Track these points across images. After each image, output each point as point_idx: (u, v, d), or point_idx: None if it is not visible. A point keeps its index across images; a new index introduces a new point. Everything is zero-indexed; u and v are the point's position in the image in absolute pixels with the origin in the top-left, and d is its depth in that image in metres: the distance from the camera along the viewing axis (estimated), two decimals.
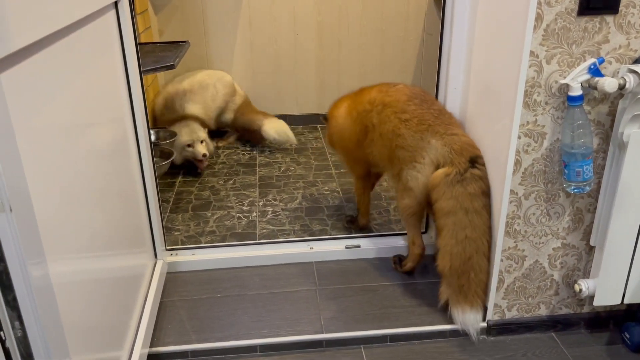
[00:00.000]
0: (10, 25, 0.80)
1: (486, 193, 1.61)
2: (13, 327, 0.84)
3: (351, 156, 2.05)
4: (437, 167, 1.67)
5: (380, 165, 1.92)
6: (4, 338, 0.83)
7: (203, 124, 2.91)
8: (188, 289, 1.88)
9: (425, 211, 1.89)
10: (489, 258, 1.63)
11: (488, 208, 1.62)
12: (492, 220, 1.61)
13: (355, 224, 2.23)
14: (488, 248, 1.62)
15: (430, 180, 1.67)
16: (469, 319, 1.64)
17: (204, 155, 2.76)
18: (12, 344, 0.85)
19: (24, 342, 0.86)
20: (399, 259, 1.96)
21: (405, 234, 2.01)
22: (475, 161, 1.62)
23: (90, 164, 1.22)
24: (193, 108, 2.99)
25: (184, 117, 2.89)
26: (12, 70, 0.83)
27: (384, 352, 1.64)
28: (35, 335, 0.86)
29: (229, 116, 3.17)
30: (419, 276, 1.92)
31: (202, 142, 2.79)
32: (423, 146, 1.69)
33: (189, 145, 2.76)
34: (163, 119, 2.95)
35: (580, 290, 1.57)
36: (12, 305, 0.83)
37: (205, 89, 3.06)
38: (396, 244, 2.05)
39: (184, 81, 3.06)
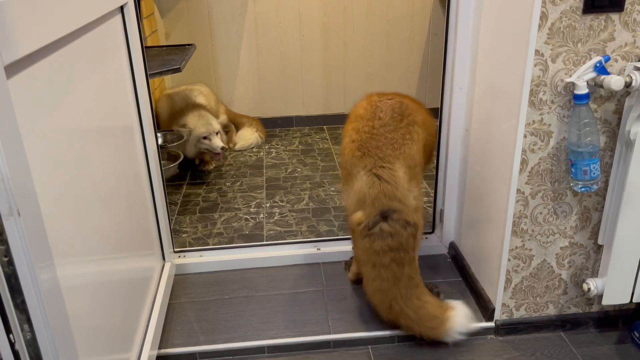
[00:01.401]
0: (18, 32, 0.81)
1: (395, 248, 1.54)
2: (22, 330, 0.85)
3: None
4: (358, 198, 1.59)
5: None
6: (13, 341, 0.84)
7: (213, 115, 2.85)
8: (196, 291, 1.89)
9: None
10: (418, 297, 1.58)
11: (398, 259, 1.55)
12: (499, 220, 1.60)
13: None
14: (409, 291, 1.57)
15: (351, 218, 1.62)
16: None
17: (223, 148, 2.68)
18: (21, 346, 0.85)
19: (33, 345, 0.86)
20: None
21: None
22: (388, 216, 1.53)
23: (98, 167, 1.23)
24: (202, 99, 2.98)
25: (195, 106, 2.82)
26: (19, 76, 0.84)
27: (392, 352, 1.64)
28: (44, 337, 0.87)
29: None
30: (425, 277, 1.92)
31: (217, 133, 2.72)
32: (354, 175, 1.60)
33: (205, 138, 2.68)
34: (171, 113, 2.88)
35: (589, 289, 1.56)
36: (21, 308, 0.84)
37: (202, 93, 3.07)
38: None
39: (180, 86, 3.07)
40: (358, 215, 1.58)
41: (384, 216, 1.54)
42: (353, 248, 1.81)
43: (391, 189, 1.54)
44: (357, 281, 1.87)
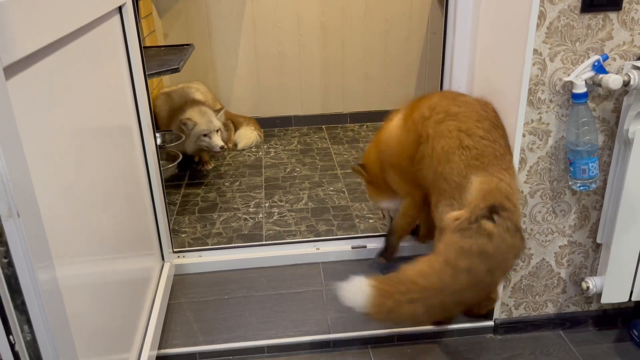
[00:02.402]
0: (17, 33, 0.81)
1: (485, 252, 1.26)
2: (22, 331, 0.85)
3: (405, 176, 1.64)
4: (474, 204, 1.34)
5: (425, 188, 1.54)
6: (13, 342, 0.84)
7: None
8: (195, 291, 1.89)
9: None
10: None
11: (474, 268, 1.26)
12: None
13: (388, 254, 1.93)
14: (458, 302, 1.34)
15: (444, 220, 1.37)
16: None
17: (222, 147, 2.66)
18: (21, 347, 0.85)
19: (33, 346, 0.86)
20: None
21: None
22: (496, 211, 1.28)
23: (97, 168, 1.23)
24: (200, 96, 2.97)
25: (195, 102, 2.80)
26: (18, 77, 0.84)
27: (391, 352, 1.64)
28: (44, 338, 0.87)
29: None
30: None
31: (217, 131, 2.70)
32: (464, 186, 1.36)
33: (205, 135, 2.66)
34: (170, 111, 2.87)
35: (588, 288, 1.56)
36: (21, 309, 0.84)
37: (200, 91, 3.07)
38: (403, 243, 2.05)
39: (177, 85, 3.06)
40: (454, 213, 1.34)
41: (491, 211, 1.28)
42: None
43: (507, 188, 1.33)
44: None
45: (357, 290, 1.30)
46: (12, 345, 0.84)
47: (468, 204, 1.31)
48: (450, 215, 1.33)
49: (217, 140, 2.67)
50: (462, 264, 1.26)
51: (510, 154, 1.41)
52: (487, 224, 1.26)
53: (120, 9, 1.52)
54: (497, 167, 1.35)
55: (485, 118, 1.41)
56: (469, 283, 1.27)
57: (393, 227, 1.89)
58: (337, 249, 2.04)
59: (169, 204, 2.23)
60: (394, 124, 1.65)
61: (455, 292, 1.28)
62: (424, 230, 1.79)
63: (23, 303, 0.83)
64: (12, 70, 0.82)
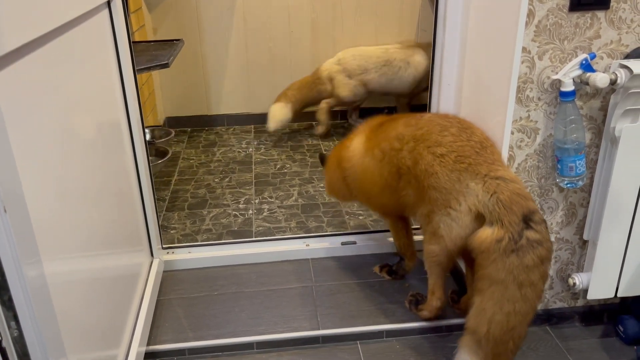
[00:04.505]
0: (3, 27, 0.80)
1: (546, 258, 1.32)
2: (9, 327, 0.85)
3: (377, 201, 1.73)
4: (477, 216, 1.38)
5: (413, 207, 1.56)
6: (0, 338, 0.84)
7: None
8: (185, 287, 1.89)
9: (454, 261, 1.62)
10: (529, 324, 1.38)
11: (545, 275, 1.33)
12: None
13: (398, 270, 1.90)
14: (533, 316, 1.36)
15: (475, 240, 1.35)
16: None
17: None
18: (8, 343, 0.85)
19: (20, 342, 0.86)
20: (415, 300, 1.74)
21: None
22: (530, 219, 1.30)
23: (85, 164, 1.22)
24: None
25: None
26: (5, 71, 0.84)
27: (380, 347, 1.65)
28: (31, 334, 0.87)
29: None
30: (414, 273, 1.93)
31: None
32: (460, 190, 1.38)
33: None
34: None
35: (574, 284, 1.58)
36: (8, 305, 0.83)
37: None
38: (392, 240, 2.06)
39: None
40: (488, 232, 1.33)
41: (526, 221, 1.30)
42: (431, 283, 1.61)
43: (521, 188, 1.34)
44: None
45: None
46: None
47: (499, 224, 1.31)
48: (487, 234, 1.33)
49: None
50: (534, 278, 1.31)
51: (492, 146, 1.44)
52: (533, 234, 1.30)
53: (109, 3, 1.51)
54: (484, 164, 1.38)
55: (449, 126, 1.47)
56: (542, 288, 1.35)
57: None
58: (327, 245, 2.05)
59: (158, 200, 2.22)
60: (357, 148, 1.70)
61: (538, 299, 1.35)
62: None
63: (10, 299, 0.83)
64: None
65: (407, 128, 1.53)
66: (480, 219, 1.37)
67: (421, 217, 1.52)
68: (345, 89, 3.03)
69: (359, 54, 3.04)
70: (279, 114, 3.04)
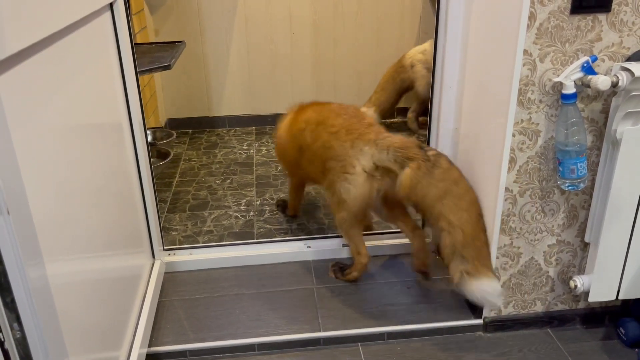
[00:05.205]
0: (6, 30, 0.81)
1: (450, 161, 1.65)
2: (12, 329, 0.85)
3: (290, 169, 2.15)
4: (374, 174, 1.67)
5: (316, 180, 1.95)
6: (2, 340, 0.84)
7: None
8: (186, 289, 1.89)
9: (365, 219, 1.93)
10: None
11: (459, 169, 1.65)
12: (487, 218, 1.62)
13: (283, 211, 2.38)
14: (479, 204, 1.64)
15: (403, 187, 1.62)
16: (493, 286, 1.56)
17: None
18: (11, 345, 0.85)
19: (22, 344, 0.86)
20: (339, 268, 1.93)
21: (399, 232, 2.02)
22: (422, 146, 1.65)
23: (87, 165, 1.22)
24: None
25: None
26: (8, 74, 0.84)
27: (382, 349, 1.65)
28: (33, 336, 0.87)
29: None
30: (414, 275, 1.93)
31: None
32: (354, 154, 1.68)
33: None
34: None
35: (576, 286, 1.58)
36: (11, 307, 0.84)
37: None
38: (393, 242, 2.06)
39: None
40: (407, 172, 1.61)
41: (421, 148, 1.63)
42: (353, 245, 1.86)
43: (404, 137, 1.69)
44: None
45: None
46: (1, 343, 0.84)
47: (409, 160, 1.61)
48: (407, 173, 1.61)
49: None
50: (456, 174, 1.64)
51: (379, 128, 1.74)
52: (431, 152, 1.64)
53: (111, 5, 1.52)
54: (372, 133, 1.70)
55: (343, 114, 1.80)
56: (465, 179, 1.66)
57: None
58: (328, 247, 2.05)
59: (159, 201, 2.22)
60: (284, 125, 2.07)
61: (470, 188, 1.65)
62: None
63: (13, 301, 0.83)
64: (1, 67, 0.81)
65: (313, 114, 1.89)
66: (380, 178, 1.68)
67: (327, 192, 1.83)
68: (423, 81, 3.08)
69: None
70: None
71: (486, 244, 1.60)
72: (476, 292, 1.56)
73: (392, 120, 3.52)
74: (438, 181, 1.60)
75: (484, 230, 1.61)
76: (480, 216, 1.62)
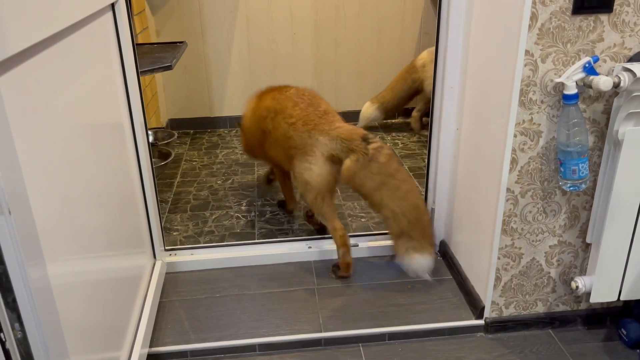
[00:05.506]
0: (8, 29, 0.81)
1: (392, 154, 1.80)
2: (13, 329, 0.85)
3: (259, 154, 2.23)
4: (331, 159, 1.84)
5: (281, 164, 2.07)
6: (4, 339, 0.84)
7: None
8: (187, 289, 1.89)
9: (335, 193, 2.05)
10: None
11: (398, 161, 1.86)
12: (489, 219, 1.62)
13: (284, 208, 2.41)
14: (418, 189, 1.87)
15: (345, 175, 1.80)
16: (429, 262, 1.86)
17: None
18: (12, 345, 0.85)
19: (24, 344, 0.86)
20: (336, 268, 1.96)
21: None
22: (367, 138, 1.78)
23: (89, 166, 1.23)
24: None
25: None
26: (9, 74, 0.84)
27: (383, 350, 1.65)
28: (35, 336, 0.87)
29: None
30: (415, 275, 1.93)
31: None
32: (312, 143, 1.85)
33: None
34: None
35: (577, 287, 1.58)
36: (12, 307, 0.84)
37: None
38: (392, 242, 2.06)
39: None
40: (347, 162, 1.78)
41: (365, 140, 1.78)
42: (329, 224, 1.95)
43: (353, 127, 1.86)
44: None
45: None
46: (2, 343, 0.84)
47: (351, 152, 1.77)
48: (348, 163, 1.78)
49: None
50: (395, 166, 1.80)
51: (333, 114, 1.91)
52: (374, 145, 1.77)
53: (112, 5, 1.52)
54: (326, 124, 1.85)
55: (300, 102, 1.93)
56: (404, 169, 1.89)
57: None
58: (330, 247, 2.05)
59: (161, 202, 2.22)
60: (249, 110, 2.18)
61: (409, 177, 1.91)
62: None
63: (14, 301, 0.83)
64: (3, 67, 0.81)
65: (272, 101, 2.01)
66: (335, 162, 1.83)
67: (294, 180, 1.96)
68: (431, 81, 3.10)
69: None
70: (365, 113, 3.30)
71: (429, 225, 1.87)
72: (414, 264, 1.84)
73: (393, 120, 3.52)
74: (374, 174, 1.77)
75: (425, 212, 1.87)
76: (420, 201, 1.85)
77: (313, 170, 1.85)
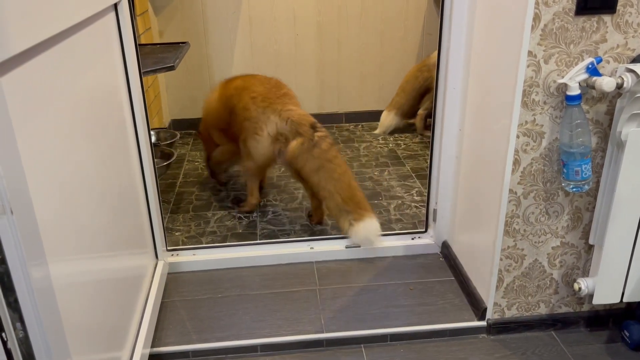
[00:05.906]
0: (10, 29, 0.81)
1: (333, 143, 2.06)
2: (15, 329, 0.85)
3: (217, 136, 2.46)
4: (277, 138, 2.09)
5: (238, 136, 2.26)
6: (5, 339, 0.84)
7: None
8: (189, 289, 1.89)
9: (263, 173, 2.42)
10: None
11: (337, 150, 2.07)
12: (491, 220, 1.61)
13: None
14: (351, 173, 2.08)
15: (289, 154, 2.06)
16: (374, 225, 2.00)
17: None
18: (14, 345, 0.85)
19: (25, 343, 0.86)
20: (238, 200, 2.37)
21: (402, 233, 2.05)
22: (315, 126, 2.04)
23: (91, 166, 1.23)
24: None
25: None
26: (12, 74, 0.84)
27: (384, 351, 1.64)
28: (36, 336, 0.87)
29: None
30: (418, 275, 1.93)
31: None
32: (264, 120, 2.09)
33: None
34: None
35: (580, 288, 1.57)
36: (14, 306, 0.84)
37: None
38: (395, 244, 2.06)
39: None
40: (293, 143, 2.04)
41: (313, 127, 2.04)
42: (249, 187, 2.33)
43: (305, 114, 2.09)
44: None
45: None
46: (4, 343, 0.84)
47: (298, 135, 2.04)
48: (293, 145, 2.04)
49: None
50: (333, 153, 2.05)
51: (291, 96, 2.19)
52: (320, 133, 2.04)
53: (115, 6, 1.52)
54: (280, 104, 2.10)
55: (266, 83, 2.22)
56: (340, 156, 2.11)
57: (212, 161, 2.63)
58: (331, 248, 2.05)
59: (163, 202, 2.22)
60: (214, 98, 2.41)
61: (344, 163, 2.10)
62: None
63: (16, 300, 0.83)
64: (6, 67, 0.82)
65: (241, 81, 2.27)
66: (280, 142, 2.09)
67: (241, 144, 2.22)
68: None
69: None
70: (384, 122, 3.33)
71: (363, 198, 2.04)
72: (361, 232, 1.97)
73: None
74: (315, 158, 2.01)
75: (358, 189, 2.05)
76: (353, 182, 2.05)
77: (258, 147, 2.12)
